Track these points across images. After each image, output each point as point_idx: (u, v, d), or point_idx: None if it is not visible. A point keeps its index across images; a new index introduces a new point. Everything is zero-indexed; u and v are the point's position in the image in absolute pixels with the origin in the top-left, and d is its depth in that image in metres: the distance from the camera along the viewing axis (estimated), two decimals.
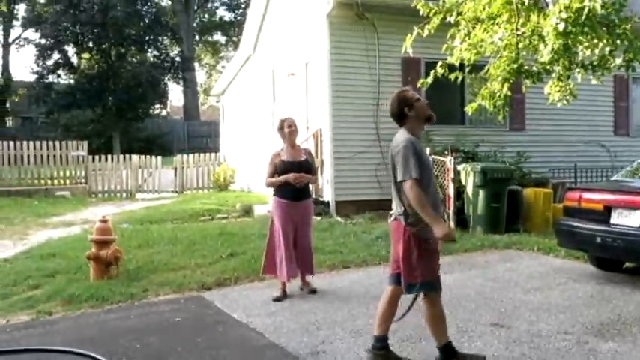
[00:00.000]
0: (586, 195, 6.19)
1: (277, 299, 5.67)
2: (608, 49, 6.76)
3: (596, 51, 6.85)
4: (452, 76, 7.39)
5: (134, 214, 12.22)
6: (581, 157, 12.07)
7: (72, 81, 31.40)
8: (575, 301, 5.49)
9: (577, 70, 7.13)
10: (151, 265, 7.09)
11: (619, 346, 4.25)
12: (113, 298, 5.80)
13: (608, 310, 5.15)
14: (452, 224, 9.18)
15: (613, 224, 5.80)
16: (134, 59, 31.40)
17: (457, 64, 7.48)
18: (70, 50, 31.58)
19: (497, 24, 7.04)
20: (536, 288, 5.95)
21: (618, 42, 6.70)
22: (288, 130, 5.91)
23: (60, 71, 31.25)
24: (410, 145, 3.77)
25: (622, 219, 5.73)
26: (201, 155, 18.13)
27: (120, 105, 28.98)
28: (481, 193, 9.00)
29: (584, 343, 4.35)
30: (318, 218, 9.44)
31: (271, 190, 6.01)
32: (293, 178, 5.75)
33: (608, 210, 5.86)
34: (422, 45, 7.99)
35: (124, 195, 16.81)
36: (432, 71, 7.54)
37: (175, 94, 37.16)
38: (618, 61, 6.89)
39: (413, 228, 3.74)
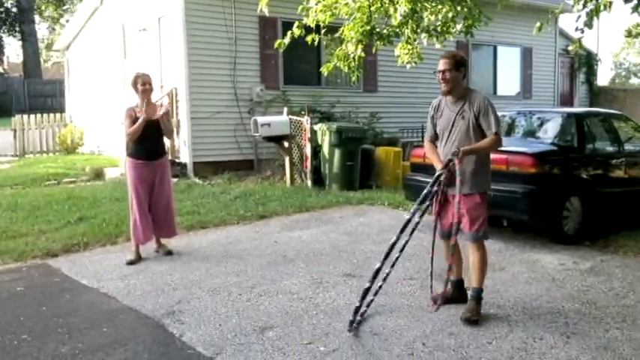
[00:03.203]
0: None
1: (131, 263, 5.47)
2: (450, 14, 7.20)
3: (440, 16, 7.27)
4: (308, 39, 7.45)
5: None
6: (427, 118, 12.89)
7: None
8: (420, 250, 5.89)
9: (423, 34, 7.53)
10: None
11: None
12: None
13: None
14: (309, 182, 9.42)
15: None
16: None
17: (313, 25, 7.55)
18: None
19: None
20: (386, 240, 6.20)
21: (459, 8, 7.16)
22: (142, 87, 5.59)
23: None
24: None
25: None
26: (45, 115, 16.67)
27: None
28: (336, 152, 9.29)
29: (427, 287, 4.71)
30: (175, 180, 9.18)
31: (123, 152, 5.68)
32: (149, 112, 5.48)
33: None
34: (278, 4, 7.97)
35: None
36: (289, 32, 7.55)
37: (13, 49, 33.58)
38: (459, 27, 7.38)
39: None
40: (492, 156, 5.88)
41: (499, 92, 14.95)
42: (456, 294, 4.34)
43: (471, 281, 4.16)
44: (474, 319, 3.97)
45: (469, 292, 4.18)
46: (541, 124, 7.17)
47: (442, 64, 4.14)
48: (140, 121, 5.46)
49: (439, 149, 4.28)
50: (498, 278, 4.92)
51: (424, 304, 4.33)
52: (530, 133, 7.10)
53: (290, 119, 9.72)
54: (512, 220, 6.15)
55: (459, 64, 4.15)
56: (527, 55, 15.50)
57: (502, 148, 6.06)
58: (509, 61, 15.29)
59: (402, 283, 4.83)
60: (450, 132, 4.18)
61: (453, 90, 4.16)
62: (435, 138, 4.35)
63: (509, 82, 15.41)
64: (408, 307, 4.28)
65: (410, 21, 6.96)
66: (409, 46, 7.63)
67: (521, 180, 5.87)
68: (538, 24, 6.50)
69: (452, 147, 4.10)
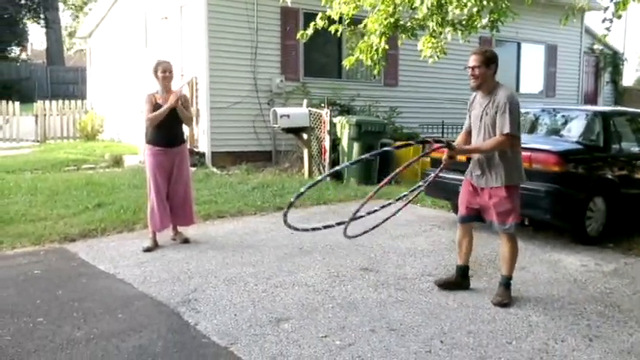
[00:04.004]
0: None
1: (148, 250, 5.46)
2: (475, 8, 7.06)
3: (465, 10, 7.13)
4: (332, 29, 7.37)
5: None
6: (448, 114, 12.74)
7: None
8: (438, 246, 5.84)
9: (447, 28, 7.40)
10: (6, 216, 6.52)
11: (475, 284, 4.58)
12: None
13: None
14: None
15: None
16: None
17: (337, 17, 7.47)
18: None
19: None
20: (403, 235, 6.25)
21: (485, 2, 7.02)
22: (162, 75, 5.58)
23: None
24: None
25: None
26: (66, 102, 16.80)
27: None
28: (355, 145, 9.21)
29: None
30: (194, 169, 9.18)
31: (142, 140, 5.66)
32: (174, 101, 5.44)
33: (469, 162, 6.23)
34: None
35: None
36: (312, 23, 7.47)
37: (37, 36, 33.82)
38: (484, 21, 7.24)
39: None
40: None
41: (522, 90, 14.73)
42: (459, 280, 4.50)
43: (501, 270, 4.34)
44: (506, 302, 4.17)
45: (499, 279, 4.33)
46: (566, 122, 7.02)
47: (473, 61, 4.19)
48: (164, 108, 5.43)
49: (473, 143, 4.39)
50: (518, 277, 4.81)
51: (443, 301, 4.26)
52: (555, 131, 6.94)
53: (309, 111, 9.66)
54: (533, 218, 6.03)
55: (489, 61, 4.19)
56: (551, 53, 15.24)
57: (525, 146, 6.00)
58: (532, 59, 15.05)
59: (420, 279, 4.76)
60: (479, 127, 4.27)
61: (482, 86, 4.23)
62: (469, 130, 4.45)
63: (532, 80, 15.18)
64: (426, 304, 4.20)
65: (435, 14, 6.83)
66: (433, 40, 7.50)
67: (545, 178, 5.75)
68: (564, 17, 6.37)
69: (481, 141, 4.23)
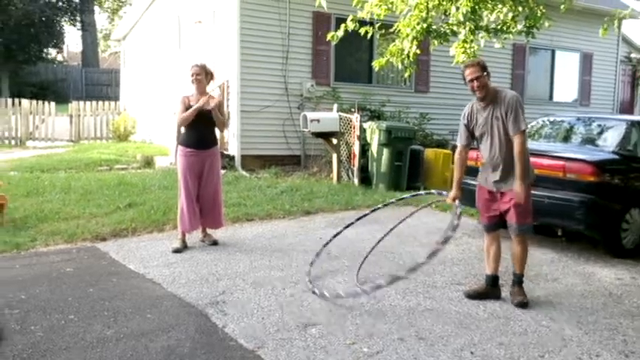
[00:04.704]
0: None
1: (177, 250, 5.50)
2: (510, 14, 6.98)
3: (501, 16, 7.06)
4: (362, 30, 7.35)
5: (23, 162, 11.37)
6: None
7: None
8: (468, 254, 5.75)
9: (481, 34, 7.33)
10: (41, 214, 6.65)
11: (506, 294, 4.49)
12: None
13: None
14: (355, 181, 9.33)
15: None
16: None
17: (367, 18, 7.45)
18: None
19: None
20: (432, 242, 6.16)
21: (520, 8, 6.93)
22: (191, 77, 5.67)
23: None
24: None
25: None
26: (100, 103, 17.11)
27: (8, 45, 26.57)
28: (385, 151, 9.16)
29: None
30: (223, 172, 9.23)
31: (173, 142, 5.73)
32: (203, 102, 5.52)
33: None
34: (334, 1, 7.88)
35: (13, 142, 15.59)
36: (343, 25, 7.47)
37: (73, 38, 34.56)
38: (520, 27, 7.15)
39: None
40: (548, 162, 5.76)
41: (555, 98, 14.49)
42: (489, 290, 4.47)
43: (514, 267, 4.42)
44: (526, 301, 4.26)
45: (513, 278, 4.43)
46: (601, 132, 6.85)
47: (471, 73, 4.29)
48: (193, 109, 5.49)
49: (483, 153, 4.44)
50: (551, 289, 4.72)
51: (473, 310, 4.19)
52: (590, 140, 6.79)
53: (339, 116, 9.64)
54: (567, 229, 5.91)
55: (485, 68, 4.32)
56: (586, 61, 14.95)
57: (559, 154, 5.90)
58: (567, 67, 14.77)
59: (450, 288, 4.69)
60: (491, 135, 4.30)
61: (487, 94, 4.30)
62: (468, 143, 4.50)
63: (566, 88, 14.91)
64: (456, 313, 4.14)
65: (469, 20, 6.77)
66: (465, 46, 7.43)
67: (579, 188, 5.62)
68: (604, 26, 6.24)
69: (496, 151, 4.27)
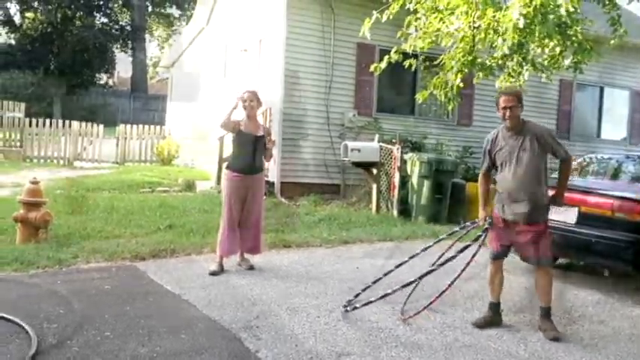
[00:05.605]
0: None
1: (213, 273, 5.52)
2: (558, 49, 6.89)
3: (547, 50, 6.97)
4: (406, 63, 7.37)
5: (70, 181, 11.69)
6: None
7: (12, 41, 29.79)
8: (509, 291, 5.55)
9: (526, 67, 7.24)
10: (84, 232, 6.79)
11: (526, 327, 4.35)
12: (39, 263, 5.51)
13: (538, 301, 5.24)
14: (395, 212, 9.24)
15: (549, 219, 5.91)
16: (81, 22, 30.05)
17: (411, 51, 7.47)
18: (13, 8, 29.97)
19: (454, 14, 7.06)
20: (472, 277, 5.99)
21: (568, 43, 6.84)
22: (243, 104, 5.77)
23: (0, 29, 29.62)
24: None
25: (558, 215, 5.84)
26: (146, 127, 17.54)
27: (63, 69, 27.71)
28: (425, 183, 9.07)
29: (516, 332, 4.42)
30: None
31: (215, 167, 5.81)
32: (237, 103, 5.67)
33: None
34: (378, 32, 7.94)
35: (62, 162, 16.08)
36: (386, 57, 7.50)
37: (124, 65, 35.74)
38: (567, 62, 7.04)
39: None
40: (596, 200, 5.61)
41: (603, 136, 14.12)
42: (490, 314, 4.55)
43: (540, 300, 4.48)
44: (559, 336, 4.25)
45: (540, 311, 4.46)
46: None
47: (507, 101, 4.34)
48: (230, 110, 5.65)
49: (501, 182, 4.50)
50: (596, 332, 4.52)
51: (513, 349, 4.04)
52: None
53: (380, 146, 9.62)
54: (614, 270, 5.69)
55: (521, 100, 4.39)
56: (636, 99, 14.58)
57: (608, 193, 5.72)
58: (616, 104, 14.42)
59: (489, 325, 4.54)
60: (516, 164, 4.34)
61: (517, 125, 4.38)
62: (490, 169, 4.63)
63: (614, 126, 14.53)
64: (495, 351, 4.00)
65: (515, 53, 6.71)
66: (511, 80, 7.36)
67: (629, 228, 5.41)
68: None
69: (520, 179, 4.32)
